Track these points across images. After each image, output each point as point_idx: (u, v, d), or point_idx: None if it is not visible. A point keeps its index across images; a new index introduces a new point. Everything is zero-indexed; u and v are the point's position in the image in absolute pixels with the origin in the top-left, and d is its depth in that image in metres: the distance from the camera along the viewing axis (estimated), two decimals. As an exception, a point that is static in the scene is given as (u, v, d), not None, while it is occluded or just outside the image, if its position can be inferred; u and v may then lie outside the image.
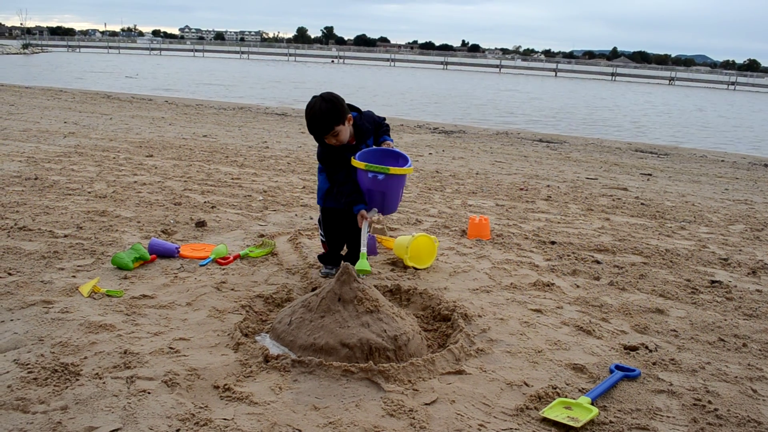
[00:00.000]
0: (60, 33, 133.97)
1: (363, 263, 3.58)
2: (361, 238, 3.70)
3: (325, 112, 3.58)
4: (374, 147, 3.88)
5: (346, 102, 3.75)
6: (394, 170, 3.58)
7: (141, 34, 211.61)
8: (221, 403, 2.45)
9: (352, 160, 3.66)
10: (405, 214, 5.78)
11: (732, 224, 6.37)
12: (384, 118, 4.04)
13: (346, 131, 3.68)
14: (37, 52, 62.38)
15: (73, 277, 3.70)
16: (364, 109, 3.98)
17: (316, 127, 3.63)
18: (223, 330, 3.10)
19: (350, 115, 3.70)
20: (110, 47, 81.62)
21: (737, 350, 3.27)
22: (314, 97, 3.67)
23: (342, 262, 3.70)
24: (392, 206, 3.87)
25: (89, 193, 5.75)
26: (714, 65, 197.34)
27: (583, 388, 2.74)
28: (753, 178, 10.31)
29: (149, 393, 2.47)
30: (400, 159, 3.82)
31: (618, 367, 2.91)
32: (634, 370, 2.89)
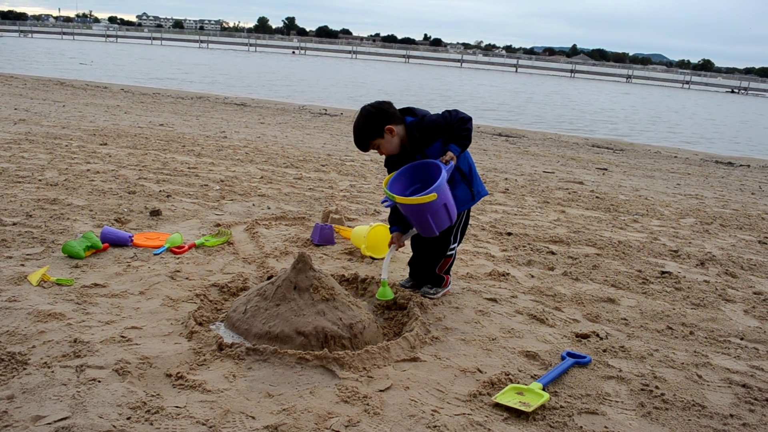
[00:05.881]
0: (11, 17, 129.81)
1: (384, 291, 3.41)
2: (384, 263, 3.46)
3: (360, 128, 3.33)
4: (423, 160, 3.38)
5: (411, 106, 3.50)
6: (400, 199, 3.19)
7: (97, 20, 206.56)
8: (173, 391, 2.42)
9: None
10: (363, 205, 5.79)
11: (683, 218, 6.55)
12: (461, 120, 3.33)
13: (388, 143, 3.33)
14: (-14, 37, 60.38)
15: (22, 265, 3.60)
16: (445, 109, 3.46)
17: (356, 143, 3.40)
18: (177, 319, 3.06)
19: (391, 126, 3.29)
20: (64, 33, 79.21)
21: (684, 338, 3.37)
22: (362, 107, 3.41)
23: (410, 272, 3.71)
24: (425, 230, 3.34)
25: (40, 180, 5.60)
26: (670, 64, 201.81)
27: (535, 375, 2.79)
28: (704, 174, 10.59)
29: (99, 381, 2.43)
30: (435, 176, 3.25)
31: (569, 354, 2.97)
32: (584, 357, 2.96)
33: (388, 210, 3.70)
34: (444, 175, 3.19)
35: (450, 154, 3.28)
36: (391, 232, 3.57)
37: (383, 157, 3.54)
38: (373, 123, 3.30)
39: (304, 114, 14.96)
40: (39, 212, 4.62)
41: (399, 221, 3.53)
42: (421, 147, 3.39)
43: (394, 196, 3.20)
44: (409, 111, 3.46)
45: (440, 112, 3.39)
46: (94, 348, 2.68)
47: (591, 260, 4.63)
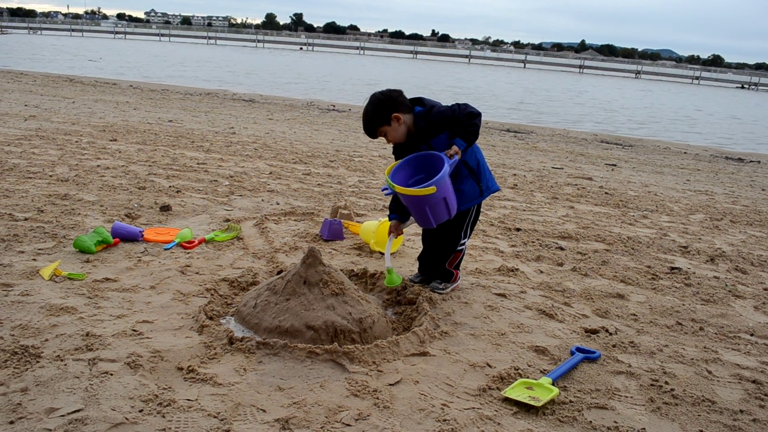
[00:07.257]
0: (20, 14, 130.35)
1: (391, 278, 3.40)
2: (386, 252, 3.47)
3: (368, 114, 3.34)
4: (428, 152, 3.35)
5: (422, 96, 3.49)
6: (399, 189, 3.19)
7: (105, 17, 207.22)
8: (185, 385, 2.44)
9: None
10: (372, 200, 5.79)
11: (692, 214, 6.52)
12: (469, 114, 3.30)
13: (395, 131, 3.34)
14: (-4, 34, 60.63)
15: (34, 260, 3.63)
16: (454, 101, 3.48)
17: (364, 129, 3.41)
18: (188, 313, 3.08)
19: (398, 114, 3.29)
20: (73, 30, 79.43)
21: (694, 333, 3.36)
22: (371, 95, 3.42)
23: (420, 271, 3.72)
24: (423, 221, 3.37)
25: (51, 176, 5.63)
26: (679, 60, 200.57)
27: (544, 369, 2.79)
28: (714, 170, 10.54)
29: (112, 375, 2.45)
30: (439, 169, 3.21)
31: (579, 349, 2.97)
32: (594, 352, 2.96)
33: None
34: (446, 168, 3.17)
35: (455, 148, 3.27)
36: (390, 220, 3.59)
37: (392, 153, 3.56)
38: (380, 110, 3.32)
39: (312, 110, 14.97)
40: (50, 207, 4.65)
41: (398, 209, 3.56)
42: (427, 137, 3.38)
43: (394, 185, 3.21)
44: (419, 101, 3.47)
45: (450, 105, 3.39)
46: (106, 341, 2.71)
47: (600, 256, 4.62)
